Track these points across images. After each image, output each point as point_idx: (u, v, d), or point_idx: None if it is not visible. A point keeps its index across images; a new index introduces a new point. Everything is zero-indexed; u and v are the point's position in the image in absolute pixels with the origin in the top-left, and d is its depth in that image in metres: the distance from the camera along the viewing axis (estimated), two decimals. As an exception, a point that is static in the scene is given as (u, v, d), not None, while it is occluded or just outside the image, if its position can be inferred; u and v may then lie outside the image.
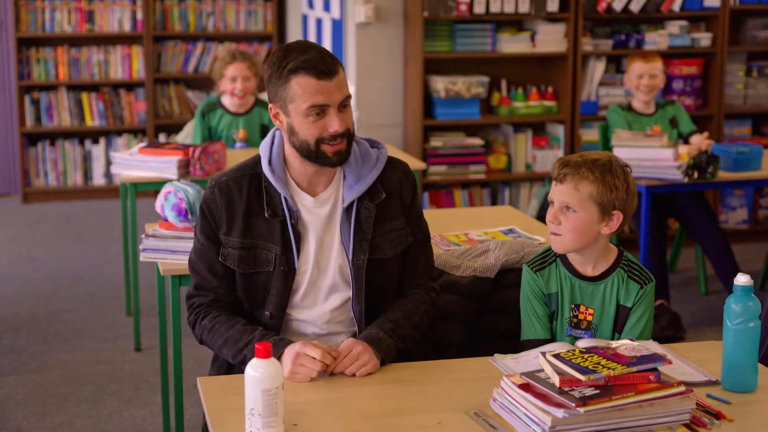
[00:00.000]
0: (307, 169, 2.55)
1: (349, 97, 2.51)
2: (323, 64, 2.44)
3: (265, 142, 2.60)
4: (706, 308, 5.13)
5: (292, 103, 2.46)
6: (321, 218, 2.57)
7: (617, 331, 2.62)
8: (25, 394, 4.21)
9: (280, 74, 2.46)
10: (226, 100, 5.28)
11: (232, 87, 5.21)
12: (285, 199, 2.54)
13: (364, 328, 2.55)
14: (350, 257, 2.55)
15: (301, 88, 2.44)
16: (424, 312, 2.62)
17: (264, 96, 5.62)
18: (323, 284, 2.58)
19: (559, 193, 2.57)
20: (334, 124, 2.46)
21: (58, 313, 5.20)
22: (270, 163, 2.55)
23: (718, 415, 2.19)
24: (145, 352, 4.67)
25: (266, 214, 2.53)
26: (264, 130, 5.30)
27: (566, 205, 2.55)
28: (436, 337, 2.83)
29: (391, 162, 2.64)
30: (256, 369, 2.07)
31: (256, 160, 2.60)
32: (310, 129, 2.46)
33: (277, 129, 2.59)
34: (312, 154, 2.50)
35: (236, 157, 4.83)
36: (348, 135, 2.51)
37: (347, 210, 2.56)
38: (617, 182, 2.55)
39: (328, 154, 2.49)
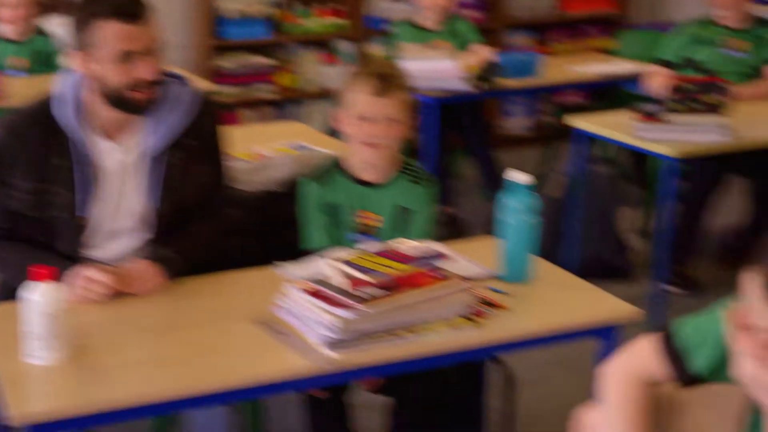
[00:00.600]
0: (110, 115, 2.44)
1: (159, 41, 2.40)
2: (129, 8, 2.35)
3: (62, 85, 2.47)
4: (487, 213, 5.29)
5: (97, 49, 2.35)
6: (122, 165, 2.48)
7: (399, 233, 2.67)
8: None
9: (84, 19, 2.36)
10: (2, 27, 5.02)
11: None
12: (80, 143, 2.43)
13: None
14: (153, 205, 2.50)
15: (107, 33, 2.34)
16: (215, 235, 2.61)
17: (46, 24, 5.37)
18: (121, 228, 2.52)
19: (382, 106, 2.59)
20: (142, 70, 2.37)
21: None
22: (68, 106, 2.43)
23: (496, 305, 2.29)
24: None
25: (59, 159, 2.43)
26: (47, 59, 5.08)
27: (393, 117, 2.59)
28: (223, 252, 2.83)
29: (198, 103, 2.55)
30: (33, 292, 2.02)
31: (50, 101, 2.47)
32: (116, 75, 2.36)
33: (75, 71, 2.45)
34: (118, 101, 2.40)
35: (12, 84, 4.63)
36: (157, 82, 2.42)
37: (153, 158, 2.49)
38: (406, 85, 2.65)
39: (135, 102, 2.40)
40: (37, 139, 2.44)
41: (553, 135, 6.00)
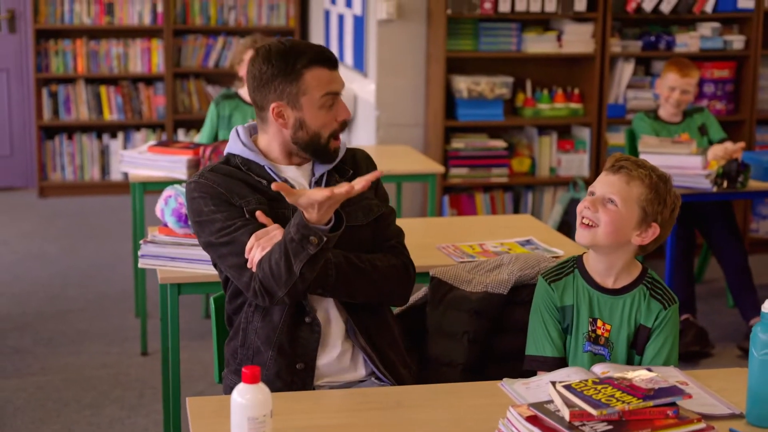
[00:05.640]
0: (291, 160, 2.61)
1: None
2: (332, 56, 2.56)
3: (235, 141, 2.62)
4: (733, 321, 4.95)
5: (305, 96, 2.52)
6: (301, 187, 2.57)
7: (635, 351, 2.47)
8: (26, 398, 4.10)
9: (291, 69, 2.51)
10: (243, 91, 5.10)
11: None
12: (270, 169, 2.57)
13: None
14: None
15: (316, 80, 2.52)
16: (389, 266, 2.57)
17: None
18: None
19: (607, 183, 2.45)
20: (343, 111, 2.57)
21: (66, 313, 5.08)
22: (246, 149, 2.59)
23: (740, 454, 2.04)
24: (152, 356, 4.54)
25: (263, 183, 2.54)
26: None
27: (611, 197, 2.43)
28: (440, 356, 2.69)
29: (351, 148, 2.74)
30: (242, 395, 1.94)
31: (227, 157, 2.62)
32: (324, 118, 2.54)
33: (242, 128, 2.63)
34: (319, 147, 2.56)
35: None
36: (346, 123, 2.61)
37: (318, 182, 2.60)
38: (668, 198, 2.46)
39: (331, 150, 2.58)
40: (236, 179, 2.55)
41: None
